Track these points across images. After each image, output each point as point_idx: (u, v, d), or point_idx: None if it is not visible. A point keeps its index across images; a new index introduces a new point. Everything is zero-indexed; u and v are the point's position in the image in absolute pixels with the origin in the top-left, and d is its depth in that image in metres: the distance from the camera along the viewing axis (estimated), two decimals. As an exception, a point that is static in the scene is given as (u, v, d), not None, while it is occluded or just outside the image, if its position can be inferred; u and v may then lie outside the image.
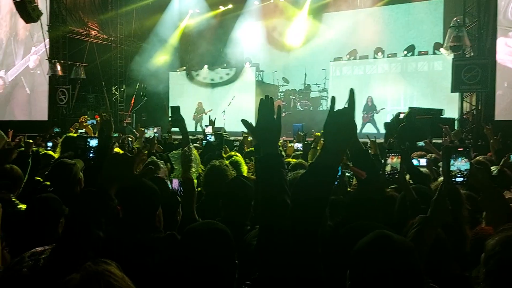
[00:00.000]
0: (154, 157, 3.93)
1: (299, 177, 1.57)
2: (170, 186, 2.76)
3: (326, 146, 1.51)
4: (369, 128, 14.34)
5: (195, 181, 3.30)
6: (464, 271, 2.01)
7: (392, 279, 1.33)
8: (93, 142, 4.07)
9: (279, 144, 6.74)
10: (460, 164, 2.11)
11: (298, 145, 6.73)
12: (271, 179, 1.69)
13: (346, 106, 1.53)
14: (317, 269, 1.52)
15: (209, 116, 14.88)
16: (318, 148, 5.69)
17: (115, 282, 1.19)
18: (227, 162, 3.85)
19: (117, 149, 6.08)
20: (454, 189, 2.41)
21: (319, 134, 6.92)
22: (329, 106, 1.54)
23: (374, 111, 14.54)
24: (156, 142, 5.19)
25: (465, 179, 2.12)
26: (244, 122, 1.84)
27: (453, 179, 2.11)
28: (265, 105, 1.78)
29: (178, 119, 3.48)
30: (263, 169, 1.73)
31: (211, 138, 5.57)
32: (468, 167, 2.12)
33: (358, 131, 1.66)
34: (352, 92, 1.53)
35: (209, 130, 7.02)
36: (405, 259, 1.37)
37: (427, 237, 1.93)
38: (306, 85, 17.36)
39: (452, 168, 2.10)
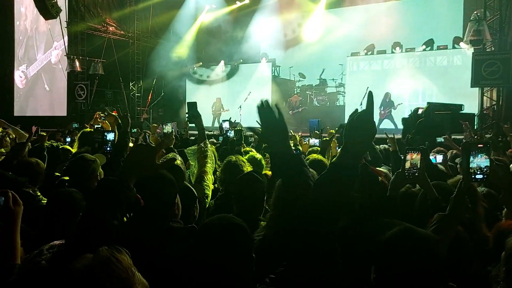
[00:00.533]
0: (174, 153, 3.94)
1: (320, 176, 1.58)
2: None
3: (346, 147, 1.54)
4: (387, 124, 14.20)
5: (211, 177, 3.31)
6: (486, 267, 1.97)
7: (417, 269, 1.41)
8: (110, 136, 4.13)
9: (297, 139, 6.72)
10: (480, 161, 2.06)
11: (315, 141, 6.69)
12: (291, 178, 1.71)
13: (365, 108, 1.54)
14: (337, 265, 1.52)
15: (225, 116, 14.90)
16: (332, 145, 5.67)
17: (118, 270, 1.22)
18: (244, 158, 3.84)
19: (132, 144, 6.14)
20: (470, 187, 2.36)
21: (333, 131, 6.88)
22: (351, 113, 1.56)
23: (392, 107, 14.39)
24: (174, 137, 5.21)
25: (485, 176, 2.07)
26: (254, 130, 1.86)
27: (473, 177, 2.06)
28: (263, 109, 1.76)
29: (195, 115, 3.50)
30: (282, 170, 1.75)
31: (231, 134, 5.55)
32: (488, 164, 2.07)
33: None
34: (370, 94, 1.54)
35: (226, 125, 7.04)
36: (430, 249, 1.46)
37: (445, 235, 1.90)
38: (322, 80, 17.25)
39: (471, 165, 2.05)
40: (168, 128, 7.04)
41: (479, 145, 2.09)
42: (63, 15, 14.29)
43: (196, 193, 2.67)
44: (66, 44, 15.97)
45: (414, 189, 2.91)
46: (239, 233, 1.68)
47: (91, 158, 3.40)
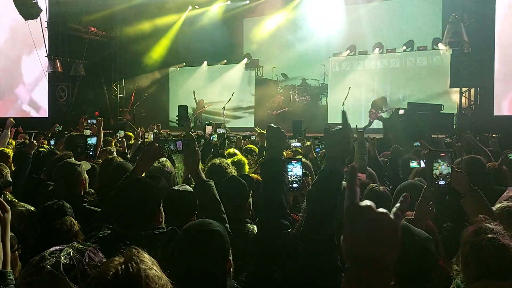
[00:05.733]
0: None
1: (312, 184, 1.83)
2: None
3: (328, 156, 1.80)
4: (377, 123, 14.25)
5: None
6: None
7: (410, 257, 1.55)
8: (92, 141, 4.17)
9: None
10: (443, 168, 2.21)
11: (297, 144, 6.77)
12: (273, 180, 1.92)
13: (340, 127, 1.78)
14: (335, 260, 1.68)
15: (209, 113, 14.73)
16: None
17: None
18: (229, 160, 3.90)
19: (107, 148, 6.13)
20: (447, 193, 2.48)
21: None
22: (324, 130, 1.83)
23: (382, 110, 14.40)
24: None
25: (447, 182, 2.24)
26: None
27: (436, 183, 2.21)
28: (272, 129, 2.04)
29: (184, 118, 3.54)
30: (266, 171, 1.99)
31: (214, 137, 5.59)
32: (449, 171, 2.23)
33: (367, 127, 1.87)
34: (344, 114, 1.78)
35: (210, 128, 7.05)
36: (423, 243, 1.65)
37: None
38: (305, 80, 17.38)
39: (435, 172, 2.20)
40: (150, 137, 6.92)
41: (441, 154, 2.24)
42: (44, 15, 13.98)
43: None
44: (47, 46, 15.63)
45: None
46: (215, 238, 1.79)
47: (75, 163, 3.37)
